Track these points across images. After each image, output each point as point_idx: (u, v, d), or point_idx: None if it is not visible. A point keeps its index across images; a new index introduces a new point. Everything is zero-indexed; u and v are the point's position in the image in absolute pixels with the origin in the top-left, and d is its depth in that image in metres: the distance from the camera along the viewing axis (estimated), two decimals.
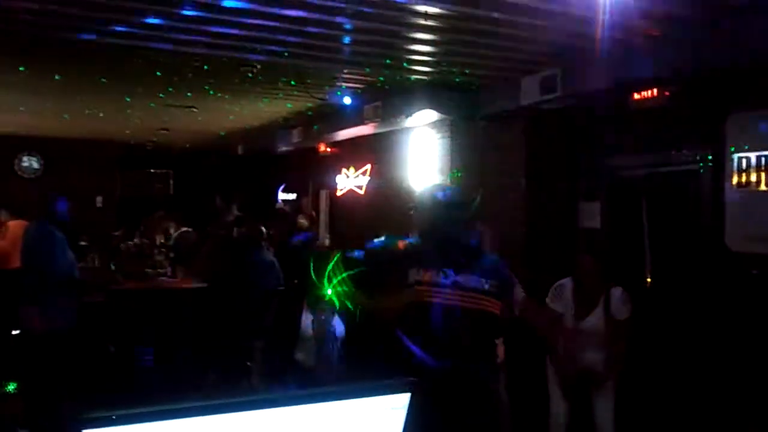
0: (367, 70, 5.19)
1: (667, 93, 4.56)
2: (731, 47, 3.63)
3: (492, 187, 5.66)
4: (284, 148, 9.75)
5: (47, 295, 4.16)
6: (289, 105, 7.21)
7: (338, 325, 3.63)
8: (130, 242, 6.99)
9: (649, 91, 4.65)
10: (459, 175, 6.21)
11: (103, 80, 5.87)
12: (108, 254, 6.57)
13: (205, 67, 5.29)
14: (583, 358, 3.71)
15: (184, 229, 7.60)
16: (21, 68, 5.32)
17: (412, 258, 2.55)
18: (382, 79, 5.56)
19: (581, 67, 4.52)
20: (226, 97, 6.72)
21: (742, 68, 3.90)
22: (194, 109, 7.47)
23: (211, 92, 6.45)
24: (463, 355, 2.42)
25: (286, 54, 4.63)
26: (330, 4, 3.49)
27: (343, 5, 3.53)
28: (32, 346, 4.14)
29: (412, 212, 3.03)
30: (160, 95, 6.60)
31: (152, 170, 12.24)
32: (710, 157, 4.39)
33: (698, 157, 4.49)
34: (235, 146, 11.04)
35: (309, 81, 5.78)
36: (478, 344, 2.50)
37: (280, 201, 10.81)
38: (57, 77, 5.70)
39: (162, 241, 6.84)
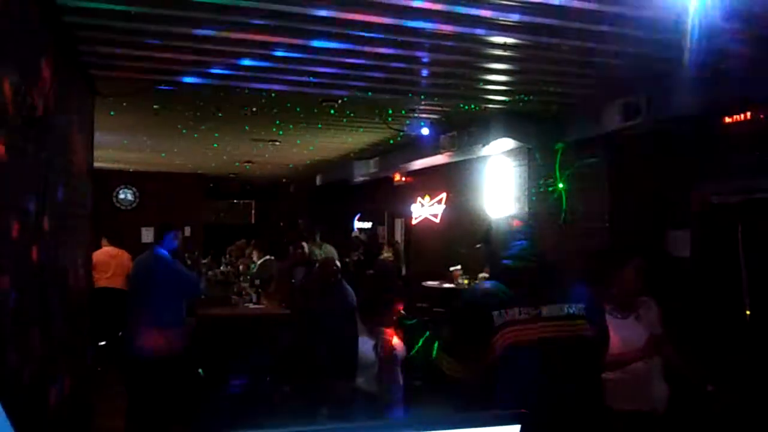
0: (442, 97, 5.25)
1: (762, 116, 4.35)
2: None
3: (574, 216, 5.55)
4: (361, 178, 9.97)
5: (172, 318, 4.51)
6: (367, 136, 7.39)
7: (400, 349, 3.59)
8: (217, 269, 7.32)
9: (742, 114, 4.45)
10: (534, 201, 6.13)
11: (198, 118, 6.25)
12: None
13: (287, 104, 5.54)
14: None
15: (267, 257, 7.89)
16: (125, 110, 5.76)
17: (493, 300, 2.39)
18: (464, 107, 5.59)
19: (666, 92, 4.38)
20: (308, 130, 6.98)
21: None
22: (277, 143, 7.80)
23: (293, 126, 6.72)
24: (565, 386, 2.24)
25: (368, 89, 4.77)
26: (411, 39, 3.59)
27: (423, 40, 3.62)
28: (146, 367, 4.43)
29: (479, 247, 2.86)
30: (246, 129, 6.95)
31: (235, 200, 12.82)
32: None
33: None
34: (313, 177, 11.39)
35: (388, 113, 5.92)
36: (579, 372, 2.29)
37: (356, 230, 11.02)
38: (154, 116, 6.14)
39: (244, 268, 7.12)
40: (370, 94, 4.82)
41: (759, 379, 4.28)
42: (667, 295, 5.15)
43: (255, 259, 8.17)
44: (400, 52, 3.80)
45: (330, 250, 7.69)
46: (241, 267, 7.93)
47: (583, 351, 2.27)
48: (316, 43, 3.65)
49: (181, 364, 4.52)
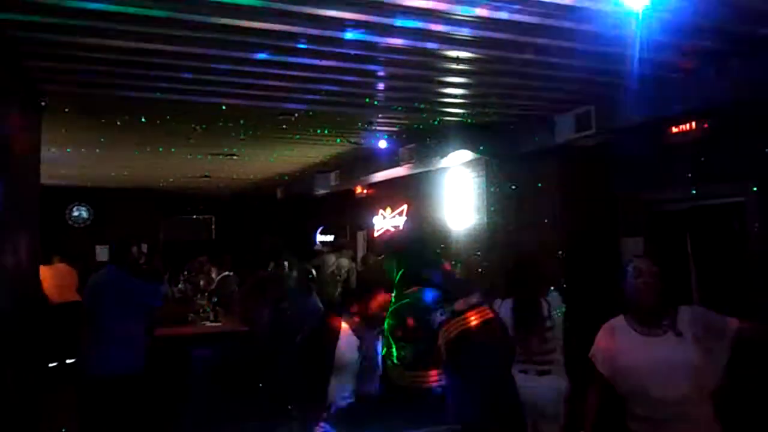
0: (400, 109, 5.28)
1: (705, 125, 4.51)
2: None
3: (529, 225, 5.64)
4: (322, 191, 9.93)
5: (130, 336, 4.37)
6: (326, 149, 7.38)
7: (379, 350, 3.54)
8: (174, 287, 7.15)
9: (687, 125, 4.61)
10: (494, 211, 6.21)
11: (152, 132, 6.13)
12: None
13: (241, 122, 5.49)
14: None
15: (226, 273, 7.74)
16: (71, 124, 5.61)
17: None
18: (422, 123, 5.65)
19: (615, 104, 4.51)
20: (266, 144, 6.92)
21: None
22: (235, 157, 7.70)
23: (251, 140, 6.66)
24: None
25: (323, 102, 4.77)
26: (364, 53, 3.60)
27: (376, 54, 3.64)
28: (101, 388, 4.27)
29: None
30: (202, 143, 6.85)
31: (195, 216, 12.59)
32: (756, 189, 4.28)
33: (743, 189, 4.39)
34: (274, 190, 11.29)
35: (344, 127, 5.92)
36: None
37: (318, 243, 10.94)
38: (107, 131, 5.99)
39: (205, 285, 6.98)
40: (324, 103, 4.81)
41: None
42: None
43: (214, 275, 8.02)
44: (353, 65, 3.81)
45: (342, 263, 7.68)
46: (201, 283, 7.76)
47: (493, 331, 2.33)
48: (265, 57, 3.63)
49: (139, 385, 4.38)
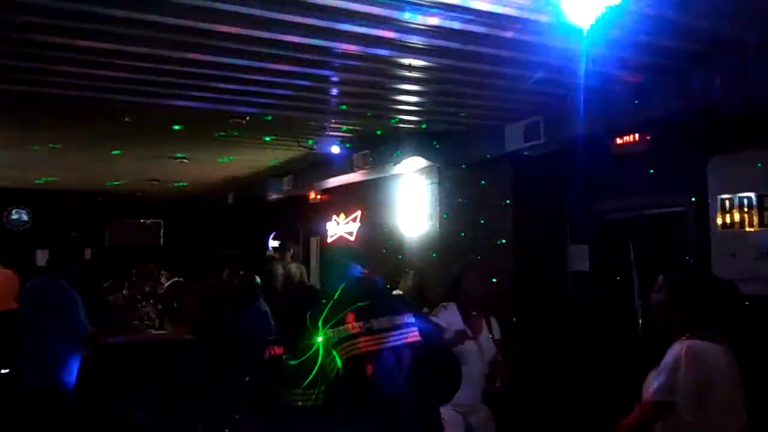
0: (354, 114, 5.27)
1: (648, 138, 4.67)
2: (705, 94, 3.73)
3: (481, 232, 5.71)
4: (275, 196, 9.81)
5: (66, 350, 4.16)
6: (279, 154, 7.30)
7: None
8: (119, 294, 6.92)
9: (631, 137, 4.76)
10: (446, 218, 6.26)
11: (94, 134, 5.93)
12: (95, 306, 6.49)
13: (178, 126, 5.36)
14: None
15: (175, 279, 7.55)
16: (11, 124, 5.37)
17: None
18: (375, 131, 5.66)
19: (563, 115, 4.62)
20: (217, 147, 6.79)
21: (720, 113, 4.00)
22: (185, 160, 7.53)
23: (202, 143, 6.52)
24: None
25: (275, 106, 4.71)
26: (316, 58, 3.57)
27: (328, 59, 3.62)
28: (33, 401, 4.06)
29: None
30: (150, 147, 6.67)
31: (142, 220, 12.23)
32: (694, 199, 4.46)
33: (682, 200, 4.56)
34: (225, 195, 11.09)
35: (297, 131, 5.87)
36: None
37: (270, 249, 10.79)
38: (46, 132, 5.76)
39: (150, 291, 6.78)
40: (275, 107, 4.76)
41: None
42: (570, 308, 5.43)
43: (163, 281, 7.80)
44: (305, 70, 3.78)
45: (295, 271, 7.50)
46: (147, 290, 7.53)
47: (413, 356, 2.40)
48: (217, 59, 3.56)
49: (64, 401, 4.17)
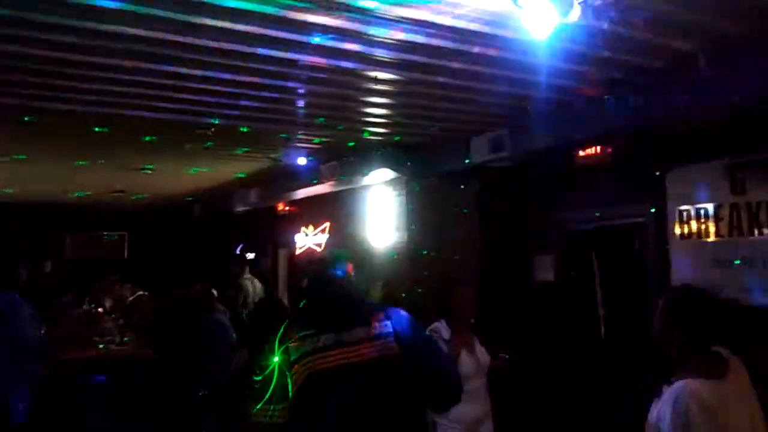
0: (321, 126, 5.28)
1: (609, 150, 4.79)
2: (663, 108, 3.86)
3: (448, 243, 5.76)
4: (242, 208, 9.71)
5: (14, 365, 3.99)
6: (246, 165, 7.24)
7: None
8: (79, 309, 6.73)
9: (593, 149, 4.88)
10: (414, 229, 6.29)
11: (57, 146, 5.80)
12: (53, 321, 6.29)
13: (150, 138, 5.29)
14: None
15: (140, 292, 7.38)
16: None
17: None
18: (342, 143, 5.66)
19: (527, 127, 4.71)
20: (182, 159, 6.71)
21: (677, 127, 4.13)
22: (149, 171, 7.41)
23: (167, 155, 6.43)
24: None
25: (241, 117, 4.69)
26: (283, 70, 3.58)
27: (295, 71, 3.63)
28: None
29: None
30: (116, 158, 6.55)
31: (105, 233, 11.96)
32: (653, 210, 4.59)
33: (642, 211, 4.68)
34: (192, 207, 10.94)
35: (265, 143, 5.84)
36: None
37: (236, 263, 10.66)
38: (8, 143, 5.61)
39: (112, 305, 6.61)
40: (242, 118, 4.74)
41: (615, 390, 4.63)
42: (535, 317, 5.49)
43: (128, 295, 7.62)
44: (271, 81, 3.78)
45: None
46: (108, 305, 7.33)
47: (388, 370, 2.24)
48: (183, 70, 3.54)
49: (24, 417, 4.02)
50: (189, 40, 3.07)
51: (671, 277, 4.41)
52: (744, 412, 2.05)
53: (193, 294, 5.30)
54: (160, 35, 2.99)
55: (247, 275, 7.28)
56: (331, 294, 2.37)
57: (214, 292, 5.47)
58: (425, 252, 5.96)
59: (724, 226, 4.11)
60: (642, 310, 4.64)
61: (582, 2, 2.44)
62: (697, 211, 4.29)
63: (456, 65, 3.50)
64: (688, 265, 4.32)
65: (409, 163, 6.03)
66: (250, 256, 10.52)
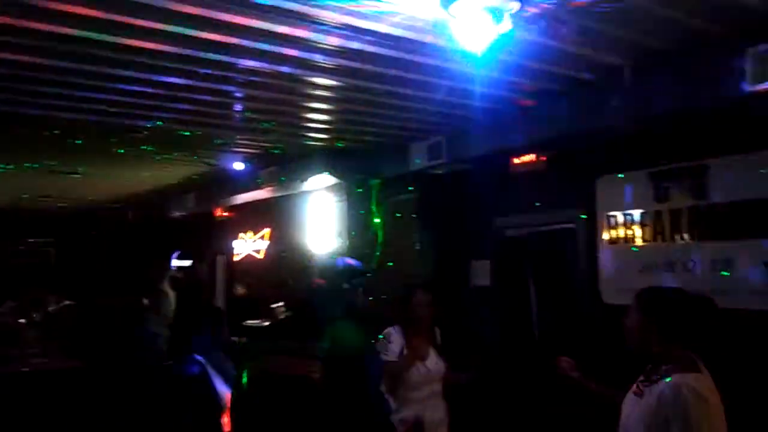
0: (261, 129, 5.20)
1: (543, 158, 4.95)
2: (593, 118, 4.01)
3: (388, 249, 5.79)
4: (179, 214, 9.44)
5: None
6: (182, 170, 7.05)
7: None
8: None
9: (528, 157, 5.02)
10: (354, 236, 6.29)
11: None
12: None
13: (77, 141, 5.08)
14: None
15: (66, 303, 7.05)
16: None
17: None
18: (282, 148, 5.60)
19: (464, 135, 4.81)
20: (114, 162, 6.46)
21: (606, 136, 4.31)
22: (77, 175, 7.10)
23: (98, 158, 6.18)
24: None
25: (176, 121, 4.57)
26: (218, 73, 3.51)
27: (231, 75, 3.56)
28: None
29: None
30: (41, 159, 6.23)
31: (30, 240, 11.36)
32: (584, 217, 4.76)
33: (574, 217, 4.85)
34: (125, 212, 10.54)
35: (201, 147, 5.71)
36: None
37: (174, 268, 10.34)
38: None
39: (36, 317, 6.28)
40: (175, 121, 4.61)
41: (549, 391, 4.76)
42: (473, 322, 5.59)
43: (51, 306, 7.25)
44: (206, 85, 3.70)
45: None
46: (32, 315, 6.97)
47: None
48: (111, 71, 3.41)
49: None
50: (119, 40, 2.96)
51: (599, 281, 4.58)
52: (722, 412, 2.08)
53: (121, 303, 5.11)
54: (88, 34, 2.88)
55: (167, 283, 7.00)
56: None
57: (146, 301, 5.30)
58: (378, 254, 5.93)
59: (649, 232, 4.31)
60: (573, 313, 4.81)
61: (513, 14, 2.51)
62: (624, 217, 4.48)
63: (394, 72, 3.53)
64: (616, 270, 4.51)
65: (350, 169, 6.02)
66: (187, 263, 10.24)
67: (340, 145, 5.55)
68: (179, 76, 3.56)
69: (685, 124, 3.82)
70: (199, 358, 2.78)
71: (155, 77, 3.57)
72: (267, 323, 7.08)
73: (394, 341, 3.35)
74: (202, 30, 2.87)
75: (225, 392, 2.80)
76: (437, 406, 3.42)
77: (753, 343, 3.50)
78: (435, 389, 3.42)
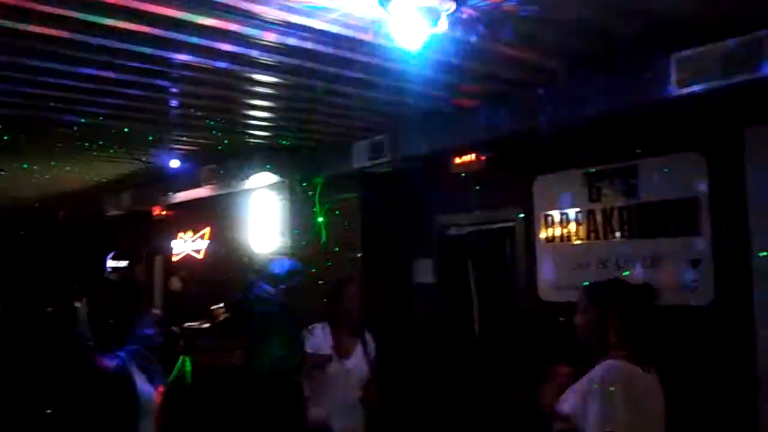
0: (204, 126, 5.06)
1: (483, 158, 5.02)
2: (530, 119, 4.09)
3: (331, 248, 5.75)
4: (114, 212, 9.09)
5: None
6: (115, 167, 6.79)
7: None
8: None
9: (469, 156, 5.08)
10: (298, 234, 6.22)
11: None
12: None
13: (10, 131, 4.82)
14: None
15: None
16: None
17: None
18: (222, 145, 5.45)
19: (406, 134, 4.82)
20: (42, 159, 6.15)
21: (543, 136, 4.40)
22: (2, 172, 6.73)
23: (23, 155, 5.87)
24: None
25: (105, 116, 4.39)
26: (151, 67, 3.38)
27: (165, 69, 3.44)
28: None
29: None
30: None
31: None
32: (522, 215, 4.86)
33: (513, 216, 4.94)
34: (55, 211, 10.07)
35: (136, 143, 5.50)
36: None
37: (109, 269, 9.96)
38: None
39: None
40: (105, 116, 4.43)
41: (488, 386, 4.85)
42: (416, 318, 5.62)
43: None
44: (138, 79, 3.56)
45: None
46: None
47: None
48: (39, 63, 3.23)
49: None
50: (44, 30, 2.81)
51: (537, 279, 4.69)
52: (659, 406, 2.11)
53: (51, 306, 4.85)
54: (16, 25, 2.72)
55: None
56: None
57: (78, 304, 5.03)
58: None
59: (583, 231, 4.44)
60: (512, 311, 4.91)
61: (449, 15, 2.52)
62: (560, 216, 4.60)
63: (333, 70, 3.49)
64: (553, 267, 4.62)
65: (292, 167, 5.95)
66: (123, 263, 9.87)
67: (283, 142, 5.47)
68: (110, 70, 3.41)
69: (615, 126, 3.95)
70: (121, 354, 2.69)
71: (82, 70, 3.40)
72: (207, 324, 6.90)
73: (316, 335, 3.32)
74: (132, 22, 2.75)
75: (149, 392, 2.70)
76: (352, 412, 3.33)
77: (680, 339, 3.66)
78: (351, 392, 3.34)
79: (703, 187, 3.78)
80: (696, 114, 3.57)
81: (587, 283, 2.31)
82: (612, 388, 1.96)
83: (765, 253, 3.44)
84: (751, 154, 3.50)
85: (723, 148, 3.65)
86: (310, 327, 3.39)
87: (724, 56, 2.94)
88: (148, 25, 2.78)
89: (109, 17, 2.70)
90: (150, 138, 5.29)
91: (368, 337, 3.62)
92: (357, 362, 3.42)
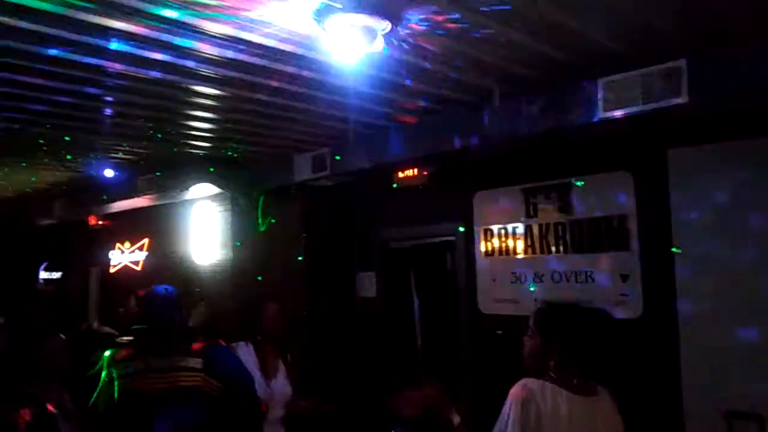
0: (145, 134, 4.91)
1: (425, 173, 5.06)
2: (469, 136, 4.16)
3: (274, 260, 5.67)
4: (46, 222, 8.70)
5: None
6: (45, 175, 6.50)
7: None
8: None
9: (410, 171, 5.12)
10: (240, 246, 6.11)
11: None
12: None
13: None
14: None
15: None
16: None
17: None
18: (160, 156, 5.30)
19: (348, 148, 4.82)
20: None
21: (482, 154, 4.49)
22: None
23: None
24: None
25: (31, 123, 4.20)
26: (80, 74, 3.26)
27: (96, 77, 3.32)
28: None
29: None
30: None
31: None
32: (462, 229, 4.93)
33: (454, 230, 5.01)
34: None
35: (66, 151, 5.28)
36: None
37: (41, 281, 9.52)
38: None
39: None
40: (29, 123, 4.24)
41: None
42: (359, 331, 5.60)
43: None
44: (65, 86, 3.42)
45: None
46: None
47: (193, 401, 2.62)
48: None
49: None
50: None
51: (477, 291, 4.76)
52: (582, 429, 1.96)
53: None
54: None
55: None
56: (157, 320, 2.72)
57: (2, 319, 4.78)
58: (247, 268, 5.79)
59: (520, 245, 4.55)
60: (453, 323, 4.96)
61: (385, 34, 2.54)
62: (499, 230, 4.69)
63: (274, 84, 3.46)
64: (491, 280, 4.70)
65: (234, 179, 5.84)
66: (56, 274, 9.45)
67: (228, 153, 5.36)
68: (34, 76, 3.27)
69: (550, 145, 4.07)
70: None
71: (6, 75, 3.25)
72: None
73: (240, 353, 3.23)
74: (56, 28, 2.65)
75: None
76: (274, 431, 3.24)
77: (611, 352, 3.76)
78: (275, 414, 3.25)
79: (631, 204, 3.94)
80: (623, 135, 3.72)
81: (542, 305, 2.19)
82: (509, 405, 1.93)
83: (677, 249, 3.61)
84: (673, 174, 3.67)
85: (648, 168, 3.82)
86: (233, 345, 3.29)
87: (645, 83, 3.08)
88: (75, 32, 2.68)
89: (33, 22, 2.59)
90: (82, 147, 5.08)
91: (290, 359, 3.51)
92: (282, 382, 3.33)
